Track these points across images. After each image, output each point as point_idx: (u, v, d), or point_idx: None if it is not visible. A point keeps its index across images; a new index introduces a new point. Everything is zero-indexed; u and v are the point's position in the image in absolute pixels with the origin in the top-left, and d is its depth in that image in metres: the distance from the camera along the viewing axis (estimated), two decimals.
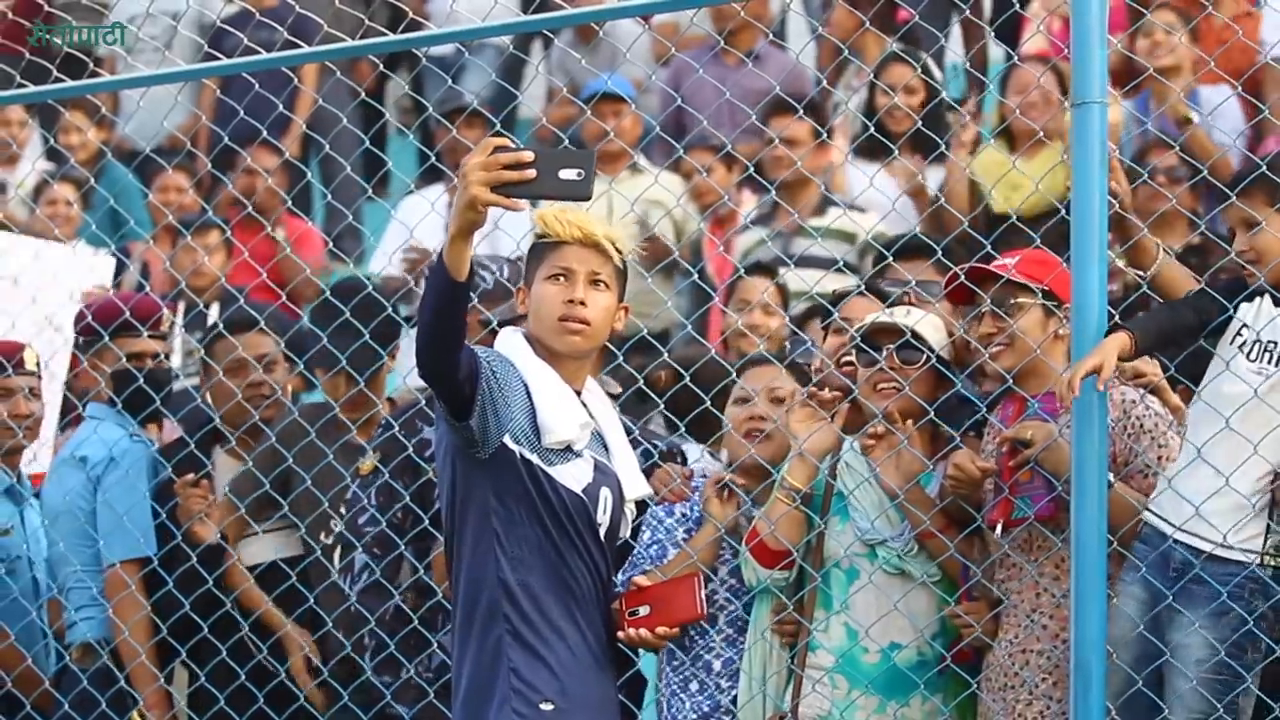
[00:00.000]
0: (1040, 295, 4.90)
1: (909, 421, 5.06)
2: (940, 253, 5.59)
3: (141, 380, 6.09)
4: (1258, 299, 4.74)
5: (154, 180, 9.31)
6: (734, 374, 5.42)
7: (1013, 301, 4.92)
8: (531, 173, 4.00)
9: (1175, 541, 4.64)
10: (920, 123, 7.95)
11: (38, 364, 6.33)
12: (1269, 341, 4.68)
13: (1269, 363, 4.67)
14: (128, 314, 6.23)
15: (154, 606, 5.98)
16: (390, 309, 5.92)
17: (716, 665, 5.34)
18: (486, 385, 4.27)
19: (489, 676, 4.30)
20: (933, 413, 5.09)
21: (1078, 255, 4.54)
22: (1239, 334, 4.72)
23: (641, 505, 4.94)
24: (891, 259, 5.82)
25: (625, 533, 4.60)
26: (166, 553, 5.97)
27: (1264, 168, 4.74)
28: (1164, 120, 7.98)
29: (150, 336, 6.25)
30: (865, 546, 5.11)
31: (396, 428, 5.63)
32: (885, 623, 5.06)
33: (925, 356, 5.11)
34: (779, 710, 5.17)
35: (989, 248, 5.05)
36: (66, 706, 5.96)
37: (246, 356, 6.11)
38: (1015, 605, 4.93)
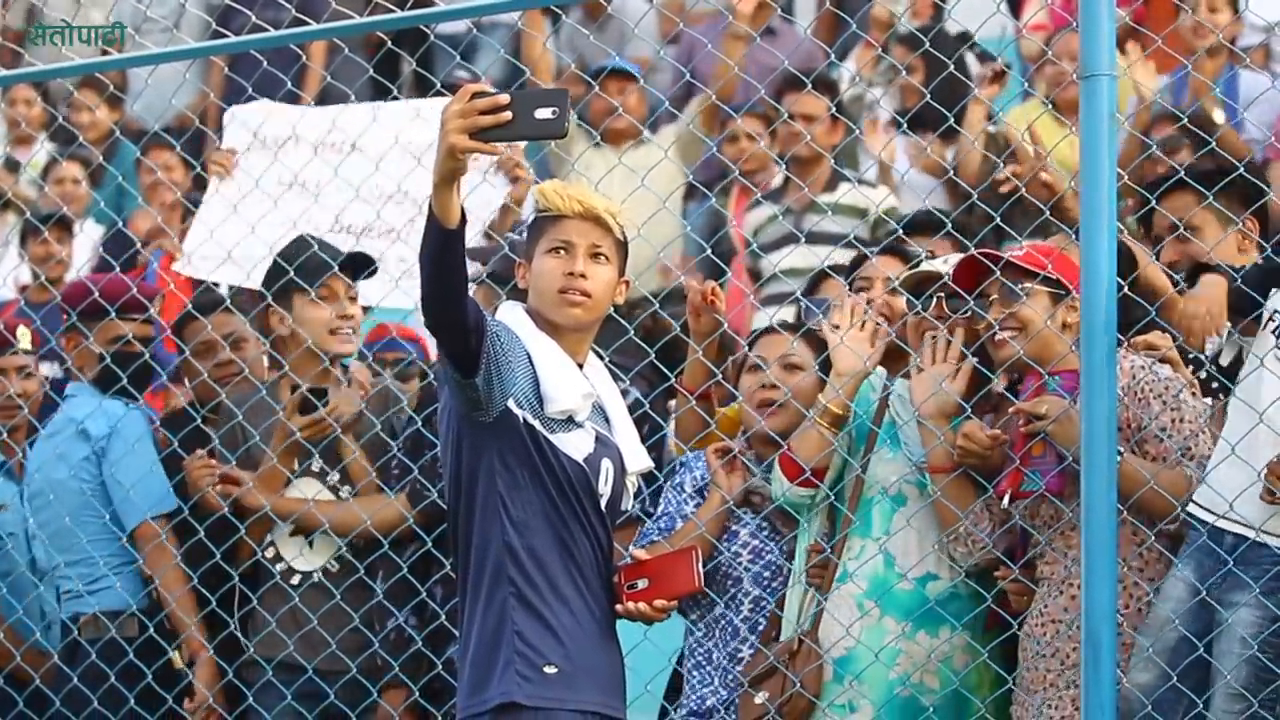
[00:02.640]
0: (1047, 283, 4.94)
1: (956, 347, 5.08)
2: (950, 226, 5.60)
3: (144, 360, 6.15)
4: None
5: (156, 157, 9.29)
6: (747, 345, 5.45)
7: (1021, 287, 4.93)
8: (507, 115, 3.99)
9: (1223, 530, 4.64)
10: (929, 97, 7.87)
11: (33, 343, 6.36)
12: None
13: None
14: (135, 291, 6.27)
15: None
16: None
17: (743, 629, 5.34)
18: (491, 346, 4.28)
19: (494, 640, 4.30)
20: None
21: (1087, 226, 4.54)
22: (1271, 319, 4.74)
23: (648, 478, 4.96)
24: (903, 234, 5.82)
25: (627, 505, 4.61)
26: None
27: None
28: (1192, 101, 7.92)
29: (143, 321, 6.27)
30: (917, 473, 5.12)
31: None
32: (924, 552, 5.10)
33: (968, 309, 5.12)
34: (798, 631, 5.17)
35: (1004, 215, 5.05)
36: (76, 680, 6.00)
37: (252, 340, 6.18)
38: (1050, 576, 4.94)
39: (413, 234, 6.23)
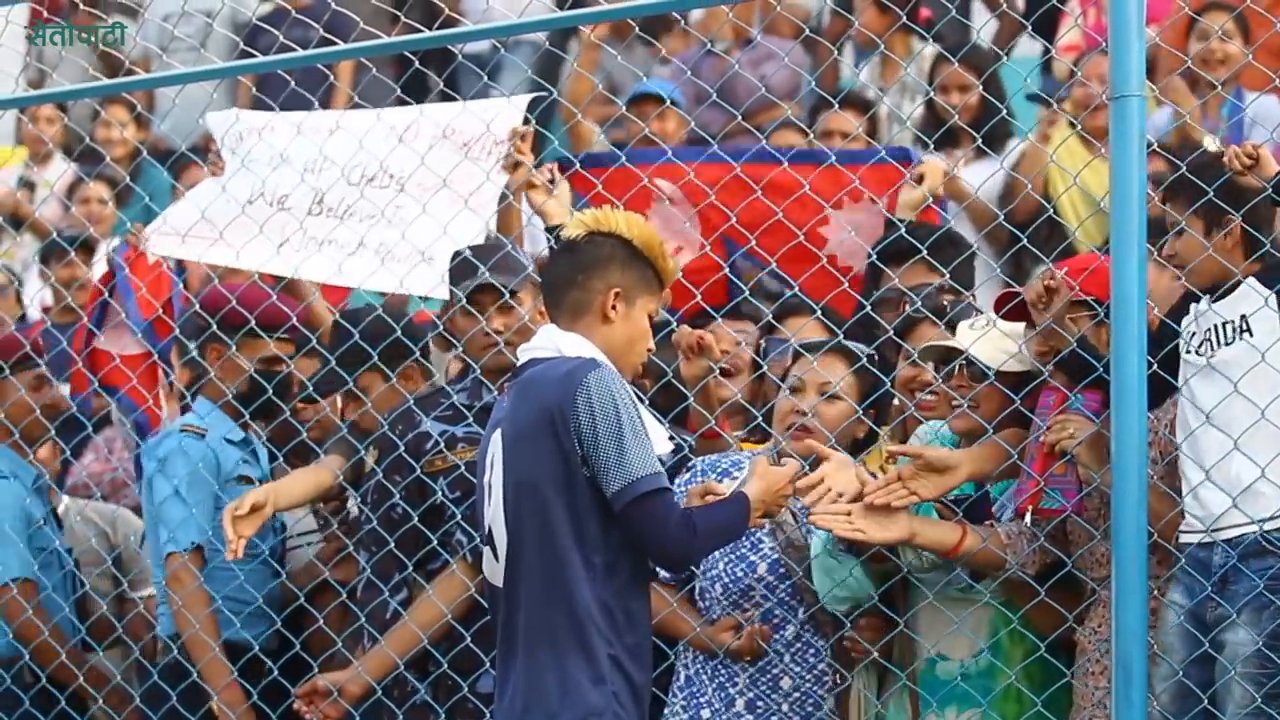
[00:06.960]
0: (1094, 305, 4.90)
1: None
2: (974, 249, 5.59)
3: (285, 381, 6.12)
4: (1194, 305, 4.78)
5: (186, 178, 9.30)
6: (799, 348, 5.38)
7: (1068, 318, 4.90)
8: None
9: (1219, 543, 4.62)
10: (955, 117, 7.88)
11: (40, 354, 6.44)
12: (1205, 329, 4.72)
13: (1208, 348, 4.70)
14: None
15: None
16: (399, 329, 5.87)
17: (785, 683, 5.30)
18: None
19: (595, 699, 4.32)
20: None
21: (1117, 247, 4.54)
22: (1189, 340, 4.78)
23: None
24: (926, 252, 5.76)
25: None
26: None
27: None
28: (1206, 123, 7.88)
29: (279, 339, 6.18)
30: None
31: (385, 427, 5.62)
32: (938, 636, 5.07)
33: (986, 373, 4.99)
34: None
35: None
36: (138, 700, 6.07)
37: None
38: (1104, 596, 4.88)
39: (396, 217, 6.16)
